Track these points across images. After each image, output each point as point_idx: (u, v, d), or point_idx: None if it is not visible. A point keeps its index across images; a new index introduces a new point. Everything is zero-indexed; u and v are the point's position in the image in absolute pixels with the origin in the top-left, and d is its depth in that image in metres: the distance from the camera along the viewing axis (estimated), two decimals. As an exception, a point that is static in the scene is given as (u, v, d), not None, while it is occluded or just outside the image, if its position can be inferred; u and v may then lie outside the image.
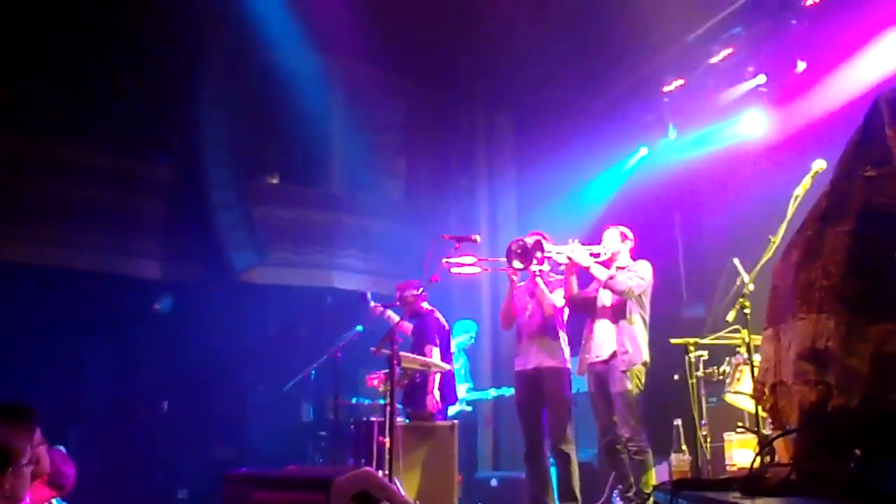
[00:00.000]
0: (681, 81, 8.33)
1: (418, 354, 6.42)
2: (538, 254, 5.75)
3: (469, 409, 8.35)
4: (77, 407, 9.80)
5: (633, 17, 8.20)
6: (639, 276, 5.76)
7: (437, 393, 6.52)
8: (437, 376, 6.50)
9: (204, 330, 9.55)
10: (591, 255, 5.90)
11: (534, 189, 10.04)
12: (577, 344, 6.13)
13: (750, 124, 7.80)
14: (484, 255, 9.74)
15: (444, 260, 5.57)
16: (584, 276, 6.00)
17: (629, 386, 5.60)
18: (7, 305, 8.82)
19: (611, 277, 5.75)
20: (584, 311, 6.04)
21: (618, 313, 5.77)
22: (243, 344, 10.06)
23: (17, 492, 2.53)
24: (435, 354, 6.53)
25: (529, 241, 5.81)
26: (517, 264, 5.78)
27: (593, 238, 6.21)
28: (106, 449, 9.28)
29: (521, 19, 9.68)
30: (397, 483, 4.95)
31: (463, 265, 6.02)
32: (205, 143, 10.01)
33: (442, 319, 6.92)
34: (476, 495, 7.96)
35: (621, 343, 5.68)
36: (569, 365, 6.04)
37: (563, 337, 6.07)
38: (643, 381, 5.68)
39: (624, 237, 6.06)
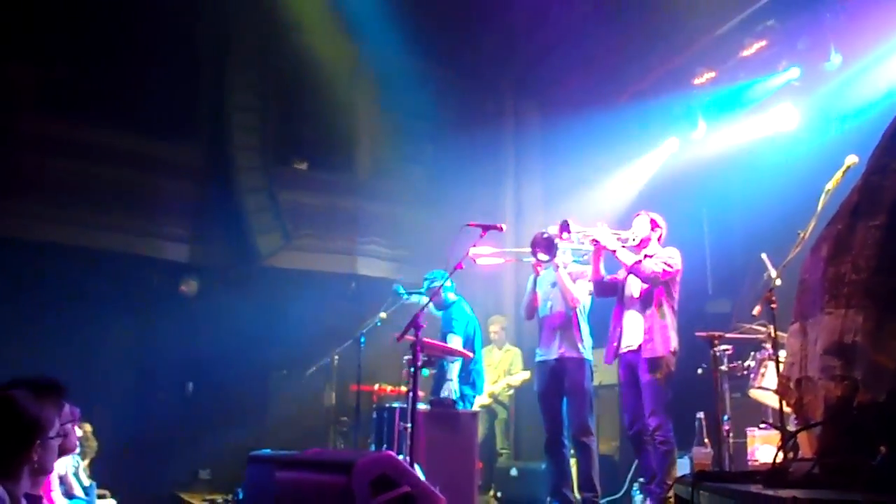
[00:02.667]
0: (712, 74, 8.24)
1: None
2: (564, 234, 5.70)
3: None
4: (102, 386, 9.91)
5: (664, 8, 8.12)
6: (665, 262, 5.67)
7: (457, 381, 6.52)
8: (458, 364, 6.49)
9: (228, 313, 9.62)
10: (619, 239, 5.84)
11: (560, 178, 10.00)
12: (603, 332, 6.09)
13: (782, 118, 7.71)
14: (509, 243, 9.78)
15: (471, 251, 5.48)
16: (612, 263, 5.94)
17: (658, 375, 5.55)
18: (34, 284, 8.96)
19: (637, 262, 5.66)
20: (611, 295, 5.98)
21: (646, 303, 5.69)
22: (267, 328, 10.12)
23: (45, 464, 2.58)
24: (456, 344, 6.51)
25: (554, 230, 5.77)
26: (542, 256, 5.76)
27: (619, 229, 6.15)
28: (130, 429, 9.39)
29: (551, 7, 9.63)
30: (418, 469, 4.97)
31: (487, 255, 5.99)
32: (233, 127, 10.09)
33: (468, 309, 6.90)
34: (496, 485, 7.98)
35: (649, 333, 5.61)
36: (590, 356, 6.01)
37: (586, 328, 6.05)
38: (673, 369, 5.61)
39: (655, 224, 5.96)
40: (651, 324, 5.63)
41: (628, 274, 5.80)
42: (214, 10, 10.15)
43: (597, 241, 5.76)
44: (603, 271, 5.93)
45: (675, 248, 5.84)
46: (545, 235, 5.77)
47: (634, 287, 5.81)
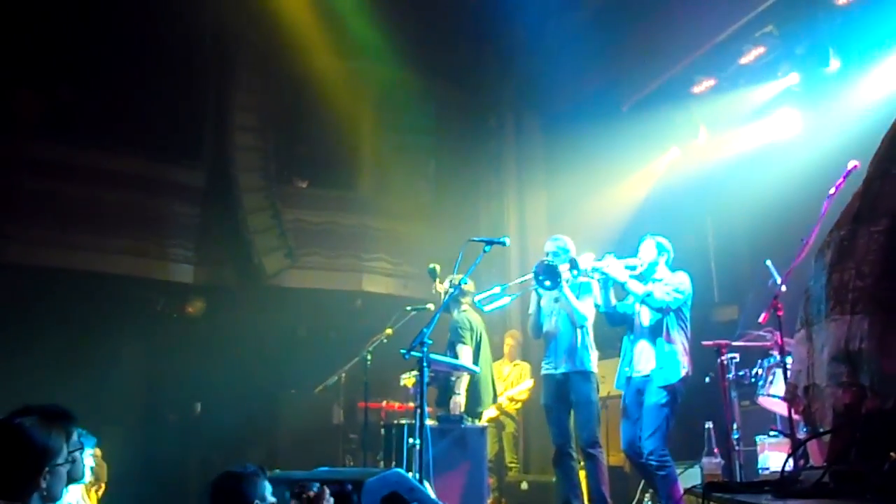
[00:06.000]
0: (712, 82, 8.25)
1: (451, 353, 6.41)
2: (574, 272, 5.66)
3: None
4: (111, 409, 9.92)
5: (663, 17, 8.14)
6: (675, 290, 5.57)
7: (463, 395, 6.49)
8: (467, 378, 6.47)
9: (235, 333, 9.64)
10: (628, 267, 5.77)
11: (563, 191, 9.99)
12: (606, 341, 6.03)
13: (783, 124, 7.72)
14: (513, 256, 9.76)
15: (476, 298, 5.47)
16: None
17: (664, 401, 5.47)
18: (43, 308, 8.98)
19: (648, 294, 5.59)
20: (621, 324, 5.92)
21: (657, 331, 5.59)
22: (274, 347, 10.13)
23: (53, 491, 2.58)
24: (466, 354, 6.48)
25: (559, 262, 5.73)
26: (547, 285, 5.71)
27: (624, 242, 6.12)
28: (139, 450, 9.39)
29: (550, 21, 9.67)
30: (427, 485, 4.95)
31: (494, 302, 6.00)
32: (235, 147, 10.13)
33: (476, 318, 6.85)
34: (506, 499, 7.95)
35: (661, 361, 5.52)
36: (595, 369, 5.96)
37: (591, 341, 6.00)
38: (680, 397, 5.50)
39: (660, 248, 5.93)
40: (662, 352, 5.55)
41: (639, 303, 5.74)
42: (215, 32, 10.23)
43: (606, 275, 5.70)
44: (614, 300, 5.87)
45: (683, 272, 5.73)
46: (546, 265, 5.72)
47: (645, 315, 5.72)
